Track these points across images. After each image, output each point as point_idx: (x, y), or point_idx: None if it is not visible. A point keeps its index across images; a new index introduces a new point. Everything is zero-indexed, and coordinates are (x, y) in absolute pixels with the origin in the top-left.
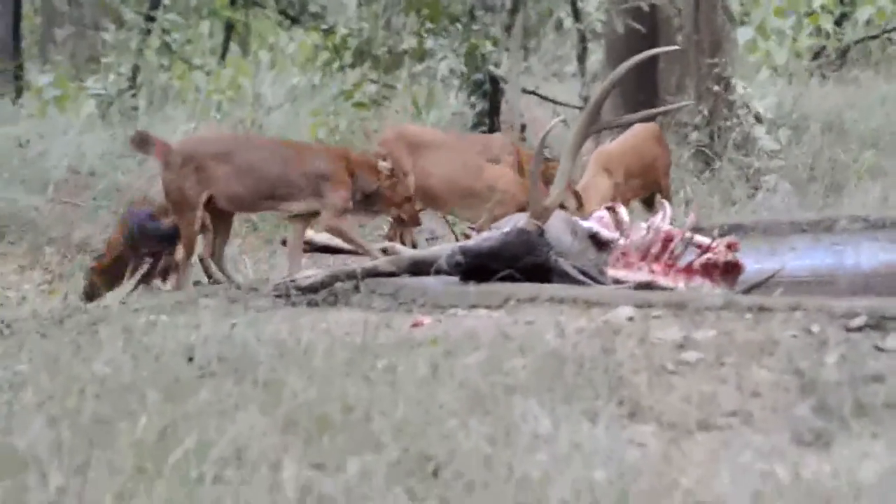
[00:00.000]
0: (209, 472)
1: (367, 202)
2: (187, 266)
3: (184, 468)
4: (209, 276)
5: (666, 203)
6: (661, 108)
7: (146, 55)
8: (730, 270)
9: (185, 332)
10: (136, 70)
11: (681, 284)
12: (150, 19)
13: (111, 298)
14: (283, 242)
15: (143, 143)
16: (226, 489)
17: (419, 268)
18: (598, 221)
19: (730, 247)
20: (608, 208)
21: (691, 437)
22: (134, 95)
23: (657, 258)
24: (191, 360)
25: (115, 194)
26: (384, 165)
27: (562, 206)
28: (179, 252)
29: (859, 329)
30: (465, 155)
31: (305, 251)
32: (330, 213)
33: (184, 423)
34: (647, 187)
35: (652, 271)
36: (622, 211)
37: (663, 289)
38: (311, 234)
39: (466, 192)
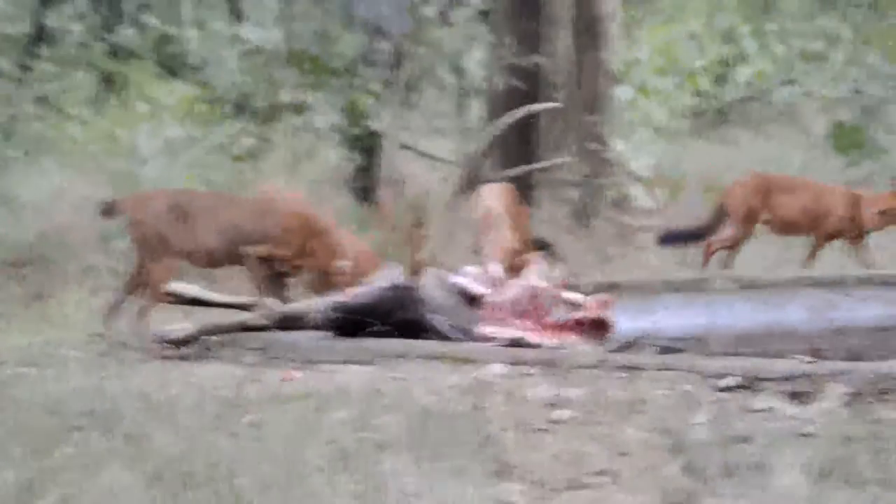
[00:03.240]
0: None
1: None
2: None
3: None
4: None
5: (539, 259)
6: (539, 164)
7: (21, 105)
8: (599, 327)
9: (54, 384)
10: (11, 119)
11: (550, 341)
12: (26, 69)
13: None
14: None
15: (109, 211)
16: None
17: (290, 322)
18: (470, 277)
19: (604, 304)
20: (480, 264)
21: (559, 497)
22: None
23: (526, 314)
24: (57, 413)
25: None
26: (342, 265)
27: None
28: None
29: (729, 389)
30: None
31: (172, 303)
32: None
33: (48, 476)
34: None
35: (523, 327)
36: (493, 266)
37: (532, 345)
38: (181, 286)
39: None
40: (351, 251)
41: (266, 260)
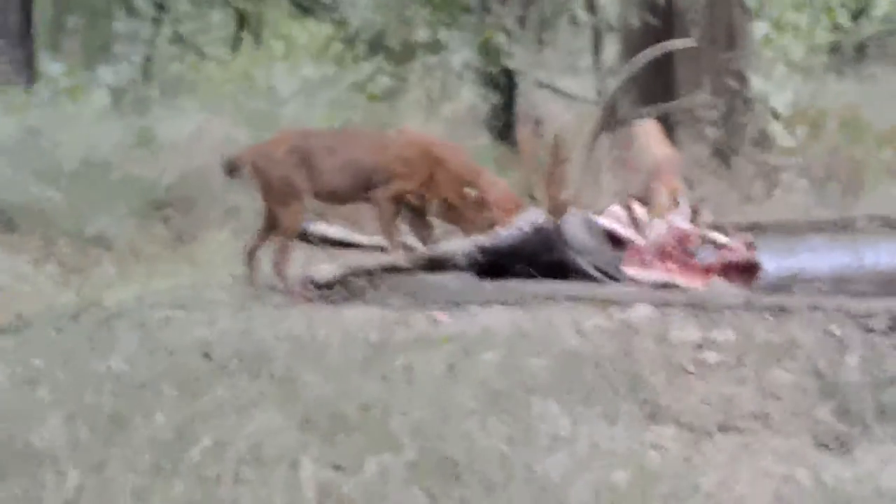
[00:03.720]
0: (227, 471)
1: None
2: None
3: (201, 467)
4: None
5: (683, 201)
6: (678, 103)
7: (158, 45)
8: (748, 270)
9: (201, 328)
10: (148, 60)
11: (697, 283)
12: (162, 9)
13: None
14: (301, 236)
15: (231, 168)
16: (244, 488)
17: (435, 264)
18: (614, 218)
19: (748, 246)
20: (625, 206)
21: (711, 440)
22: (146, 86)
23: (674, 257)
24: (207, 356)
25: (128, 186)
26: (469, 192)
27: None
28: None
29: (879, 330)
30: None
31: (317, 244)
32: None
33: (200, 420)
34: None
35: (668, 270)
36: (639, 208)
37: (679, 287)
38: (325, 227)
39: None
40: (494, 192)
41: (395, 198)
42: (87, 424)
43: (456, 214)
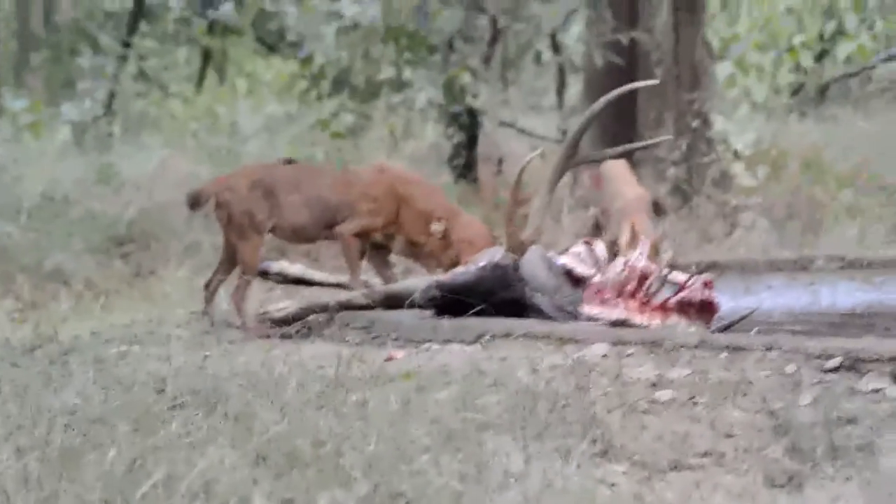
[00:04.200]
0: None
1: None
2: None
3: (152, 502)
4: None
5: (643, 239)
6: (640, 143)
7: (122, 81)
8: (705, 309)
9: (157, 363)
10: (111, 96)
11: (656, 322)
12: (127, 45)
13: None
14: (262, 275)
15: (195, 201)
16: None
17: (393, 301)
18: (574, 257)
19: (706, 285)
20: (585, 243)
21: (663, 478)
22: (110, 122)
23: (632, 295)
24: (162, 391)
25: (89, 222)
26: (436, 227)
27: None
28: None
29: (834, 370)
30: None
31: (277, 282)
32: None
33: (153, 455)
34: None
35: (627, 309)
36: (599, 247)
37: (638, 327)
38: (286, 265)
39: None
40: (468, 232)
41: (360, 235)
42: (38, 459)
43: (420, 252)
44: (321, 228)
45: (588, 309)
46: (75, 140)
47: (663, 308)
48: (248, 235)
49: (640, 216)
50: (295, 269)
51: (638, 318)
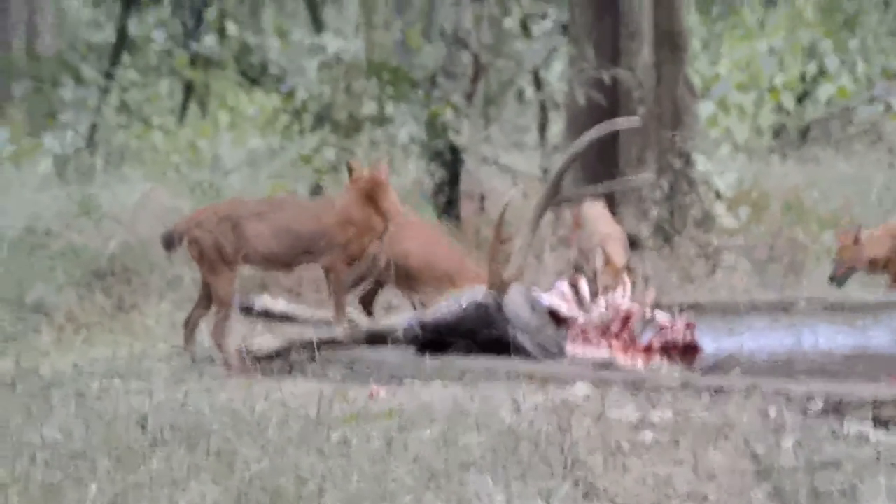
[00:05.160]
0: None
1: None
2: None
3: None
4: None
5: (626, 280)
6: (622, 182)
7: (104, 113)
8: (688, 351)
9: (138, 398)
10: (93, 128)
11: (639, 363)
12: (110, 77)
13: None
14: (246, 311)
15: (169, 241)
16: None
17: (376, 339)
18: (559, 296)
19: (689, 327)
20: (570, 282)
21: None
22: (92, 154)
23: (616, 336)
24: (143, 427)
25: (70, 254)
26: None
27: None
28: None
29: (817, 413)
30: None
31: (259, 318)
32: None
33: (134, 492)
34: None
35: (611, 349)
36: (584, 287)
37: (621, 367)
38: (269, 301)
39: None
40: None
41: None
42: (18, 493)
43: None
44: (295, 256)
45: (572, 349)
46: (57, 172)
47: (647, 349)
48: (219, 270)
49: (612, 243)
50: (278, 305)
51: (622, 359)
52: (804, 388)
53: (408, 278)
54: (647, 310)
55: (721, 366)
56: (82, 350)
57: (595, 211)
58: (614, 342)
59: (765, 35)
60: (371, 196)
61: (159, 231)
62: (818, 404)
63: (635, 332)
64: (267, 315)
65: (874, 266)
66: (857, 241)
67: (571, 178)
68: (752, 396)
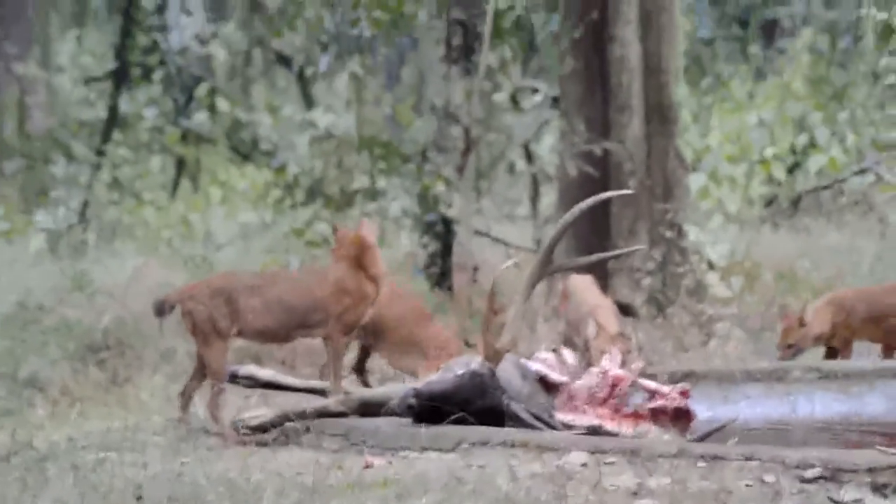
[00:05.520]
0: None
1: None
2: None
3: None
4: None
5: (615, 347)
6: (614, 253)
7: (96, 189)
8: (680, 417)
9: (134, 470)
10: (85, 204)
11: (627, 429)
12: (101, 154)
13: None
14: (231, 378)
15: (160, 309)
16: None
17: (369, 409)
18: (544, 363)
19: (682, 394)
20: (553, 350)
21: None
22: (84, 230)
23: (603, 402)
24: (139, 499)
25: (63, 329)
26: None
27: None
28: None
29: (814, 480)
30: None
31: (246, 387)
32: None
33: None
34: None
35: (598, 415)
36: (566, 353)
37: (609, 434)
38: (254, 369)
39: None
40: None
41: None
42: None
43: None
44: (290, 330)
45: (561, 416)
46: (50, 248)
47: (635, 415)
48: (211, 342)
49: (602, 311)
50: (265, 373)
51: (609, 425)
52: (800, 455)
53: (374, 335)
54: (636, 376)
55: (717, 434)
56: (77, 423)
57: (582, 283)
58: (601, 408)
59: (754, 107)
60: (360, 262)
61: (152, 305)
62: (815, 471)
63: (624, 399)
64: (254, 383)
65: (820, 341)
66: (801, 323)
67: (564, 249)
68: (748, 464)
